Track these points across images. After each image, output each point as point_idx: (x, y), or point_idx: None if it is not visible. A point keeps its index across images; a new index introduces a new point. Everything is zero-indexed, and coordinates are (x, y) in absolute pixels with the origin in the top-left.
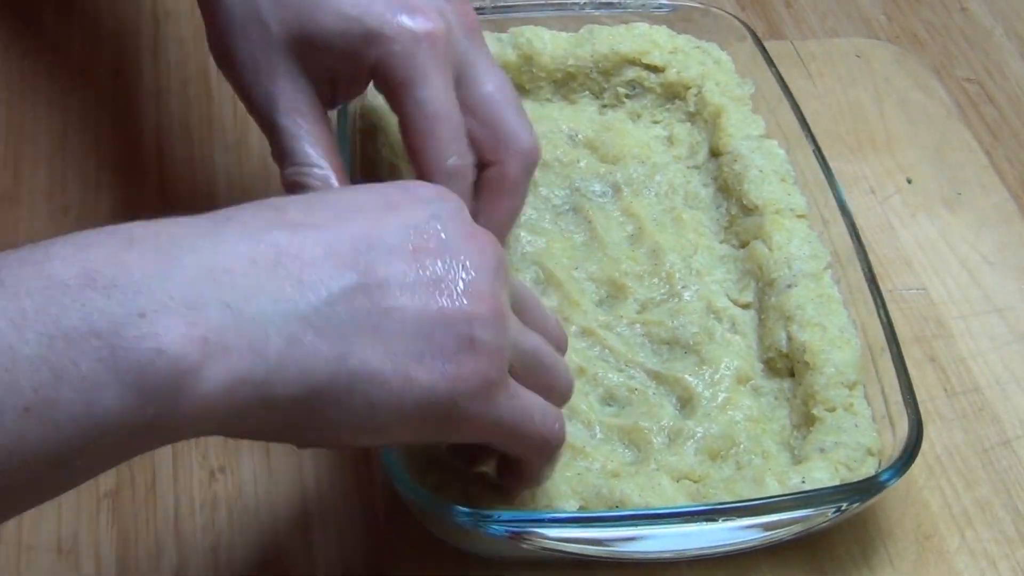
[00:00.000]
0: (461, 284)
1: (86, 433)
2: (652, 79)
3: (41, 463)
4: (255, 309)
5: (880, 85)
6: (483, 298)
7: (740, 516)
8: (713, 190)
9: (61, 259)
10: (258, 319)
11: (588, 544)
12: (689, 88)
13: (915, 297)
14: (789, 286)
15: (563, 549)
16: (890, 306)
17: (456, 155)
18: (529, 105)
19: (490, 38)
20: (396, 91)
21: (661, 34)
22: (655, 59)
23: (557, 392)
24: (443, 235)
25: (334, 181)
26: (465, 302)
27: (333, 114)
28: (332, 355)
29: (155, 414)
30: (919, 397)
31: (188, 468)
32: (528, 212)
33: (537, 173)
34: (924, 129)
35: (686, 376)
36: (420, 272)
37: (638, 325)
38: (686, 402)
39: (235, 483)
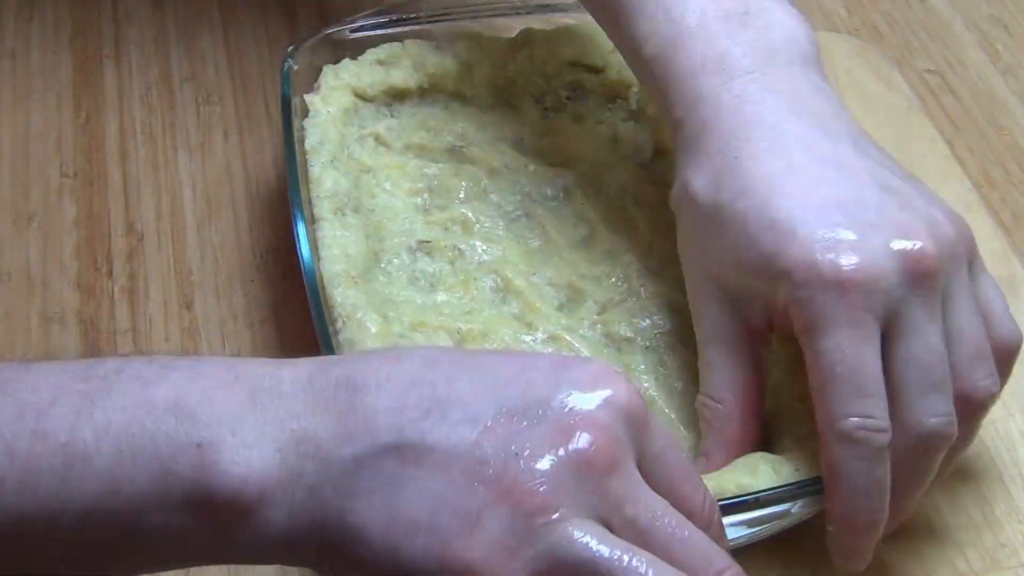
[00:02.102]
0: (507, 472)
1: (135, 541)
2: (592, 80)
3: (91, 557)
4: (294, 456)
5: (841, 78)
6: (520, 488)
7: (734, 512)
8: (662, 188)
9: (168, 384)
10: (293, 466)
11: None
12: (630, 87)
13: None
14: None
15: None
16: None
17: (855, 416)
18: (472, 112)
19: (427, 46)
20: (800, 337)
21: (600, 34)
22: (594, 60)
23: None
24: (539, 418)
25: (731, 420)
26: (491, 490)
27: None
28: (335, 509)
29: (204, 538)
30: None
31: None
32: (482, 220)
33: (487, 181)
34: (885, 121)
35: (643, 378)
36: (472, 449)
37: (599, 326)
38: (647, 403)
39: None
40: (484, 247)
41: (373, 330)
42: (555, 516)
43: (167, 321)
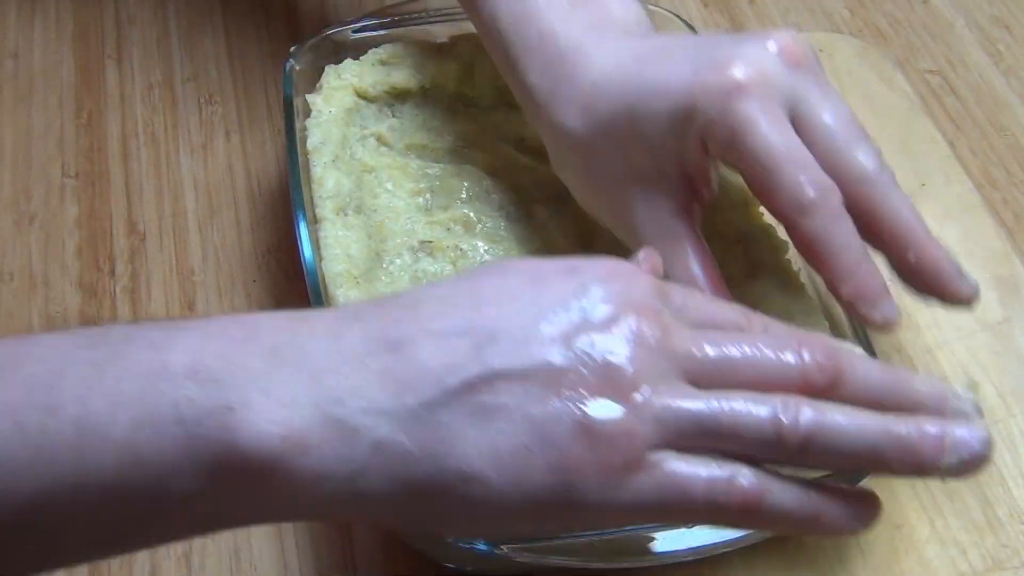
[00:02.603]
0: (586, 370)
1: (159, 511)
2: None
3: (113, 533)
4: (344, 412)
5: (843, 79)
6: (610, 380)
7: None
8: None
9: (181, 349)
10: (346, 421)
11: (567, 555)
12: None
13: None
14: (751, 277)
15: (543, 561)
16: None
17: (811, 186)
18: (473, 113)
19: (429, 47)
20: (728, 152)
21: None
22: None
23: (744, 447)
24: (587, 318)
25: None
26: (582, 391)
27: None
28: (424, 456)
29: (231, 501)
30: None
31: None
32: (484, 221)
33: (489, 181)
34: (887, 122)
35: None
36: (542, 364)
37: None
38: None
39: None
40: (486, 247)
41: None
42: (649, 391)
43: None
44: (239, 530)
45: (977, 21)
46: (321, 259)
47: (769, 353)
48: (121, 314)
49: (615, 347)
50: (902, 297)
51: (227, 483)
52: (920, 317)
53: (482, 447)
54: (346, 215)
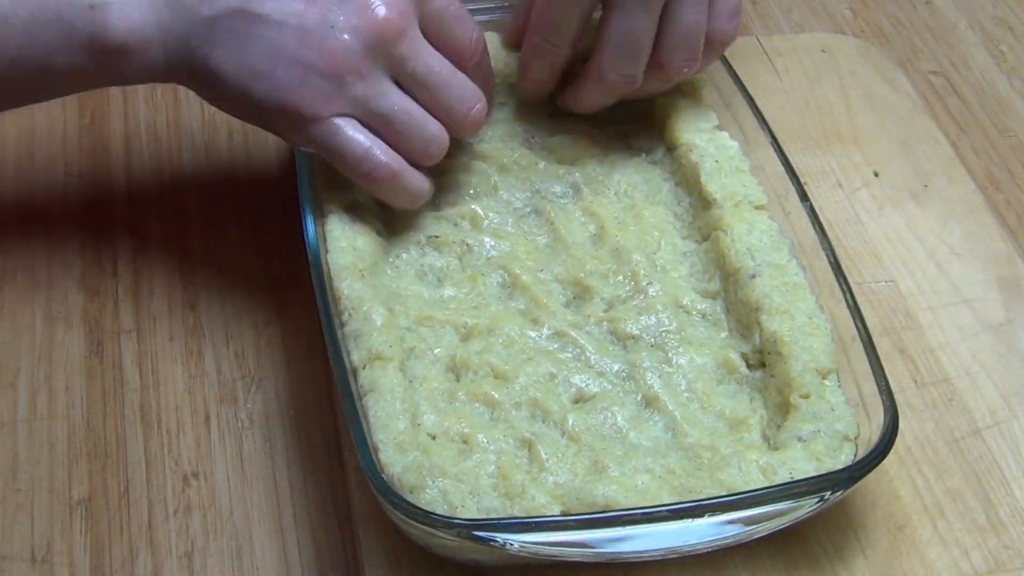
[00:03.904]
0: (325, 41)
1: (49, 74)
2: None
3: (22, 88)
4: (168, 13)
5: (846, 79)
6: (335, 56)
7: (724, 511)
8: (673, 184)
9: None
10: (167, 21)
11: (567, 547)
12: None
13: (884, 289)
14: (753, 276)
15: (544, 553)
16: (859, 299)
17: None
18: None
19: None
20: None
21: None
22: None
23: (409, 151)
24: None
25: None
26: (313, 54)
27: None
28: (201, 54)
29: (98, 71)
30: None
31: (161, 474)
32: (491, 216)
33: (497, 177)
34: (890, 122)
35: (648, 376)
36: (299, 19)
37: (605, 323)
38: (652, 400)
39: (209, 488)
40: (493, 243)
41: (379, 322)
42: (359, 77)
43: (171, 320)
44: (242, 531)
45: (980, 22)
46: (327, 251)
47: (457, 91)
48: (123, 313)
49: (353, 34)
50: (906, 299)
51: (97, 59)
52: (923, 318)
53: (231, 59)
54: (353, 209)
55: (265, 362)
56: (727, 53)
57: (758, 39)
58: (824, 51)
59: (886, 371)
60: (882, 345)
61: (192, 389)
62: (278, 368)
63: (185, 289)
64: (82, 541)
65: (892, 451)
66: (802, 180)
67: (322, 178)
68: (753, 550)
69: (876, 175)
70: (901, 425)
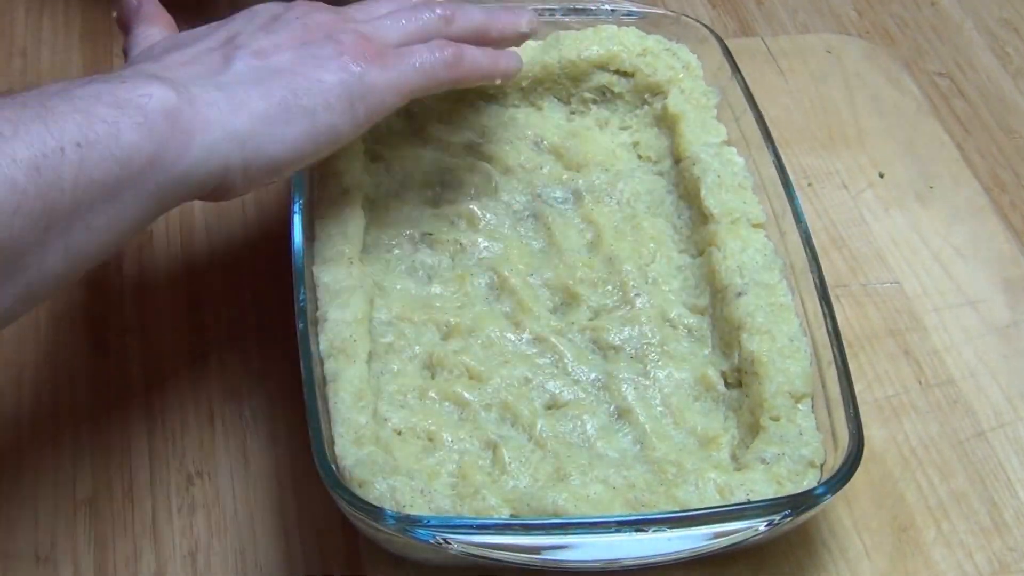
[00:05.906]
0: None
1: (120, 165)
2: (621, 84)
3: (91, 195)
4: (198, 89)
5: (851, 80)
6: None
7: (669, 527)
8: (676, 197)
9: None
10: (194, 93)
11: (517, 552)
12: (656, 93)
13: (888, 290)
14: (739, 294)
15: (487, 556)
16: (864, 300)
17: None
18: (495, 111)
19: None
20: None
21: (630, 35)
22: (623, 64)
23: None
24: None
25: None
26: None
27: None
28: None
29: (157, 147)
30: (894, 390)
31: (165, 473)
32: (488, 217)
33: (500, 179)
34: (895, 123)
35: (624, 387)
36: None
37: (588, 332)
38: (624, 412)
39: (212, 488)
40: (486, 244)
41: (349, 316)
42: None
43: (175, 319)
44: (245, 529)
45: (985, 23)
46: (316, 238)
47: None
48: (128, 312)
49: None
50: (911, 300)
51: (153, 129)
52: (927, 319)
53: (257, 92)
54: (348, 195)
55: (269, 360)
56: (735, 54)
57: (763, 40)
58: (829, 52)
59: (889, 376)
60: (886, 347)
61: (196, 387)
62: (282, 365)
63: (190, 287)
64: (86, 539)
65: (897, 453)
66: (807, 181)
67: (317, 168)
68: (757, 553)
69: (881, 176)
70: (906, 427)
